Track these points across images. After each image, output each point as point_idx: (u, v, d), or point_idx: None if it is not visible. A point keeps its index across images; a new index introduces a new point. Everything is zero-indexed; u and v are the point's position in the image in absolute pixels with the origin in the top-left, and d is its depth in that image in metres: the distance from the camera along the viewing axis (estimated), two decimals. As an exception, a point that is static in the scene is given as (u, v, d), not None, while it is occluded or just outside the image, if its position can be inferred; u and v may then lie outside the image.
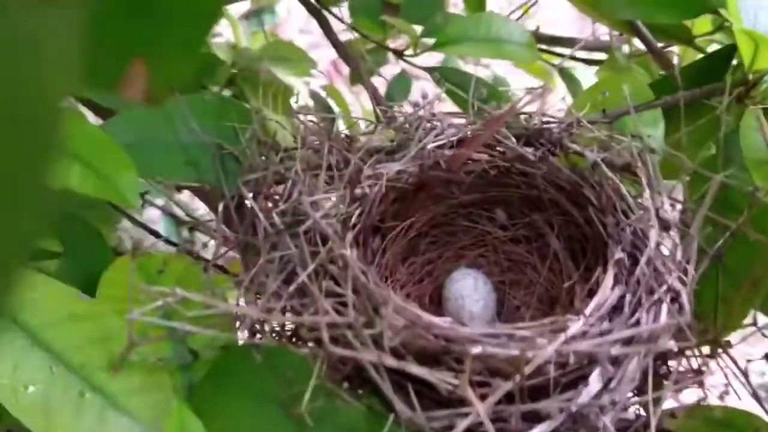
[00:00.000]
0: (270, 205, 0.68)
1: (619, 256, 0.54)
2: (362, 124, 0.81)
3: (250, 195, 0.67)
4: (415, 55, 0.97)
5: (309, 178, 0.61)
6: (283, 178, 0.67)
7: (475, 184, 0.65)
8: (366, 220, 0.60)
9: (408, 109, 0.76)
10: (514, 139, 0.64)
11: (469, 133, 0.64)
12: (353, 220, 0.59)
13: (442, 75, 0.99)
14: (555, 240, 0.65)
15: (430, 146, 0.63)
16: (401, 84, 1.87)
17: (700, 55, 0.99)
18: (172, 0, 0.23)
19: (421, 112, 0.68)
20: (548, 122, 0.65)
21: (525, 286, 0.67)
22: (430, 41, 0.99)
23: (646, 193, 0.56)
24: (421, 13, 1.01)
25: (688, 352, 0.52)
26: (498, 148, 0.64)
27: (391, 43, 1.06)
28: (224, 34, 2.03)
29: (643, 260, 0.53)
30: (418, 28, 0.98)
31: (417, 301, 0.66)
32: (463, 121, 0.67)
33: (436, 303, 0.67)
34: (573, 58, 1.11)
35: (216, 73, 1.02)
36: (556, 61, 1.17)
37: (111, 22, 0.23)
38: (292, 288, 0.50)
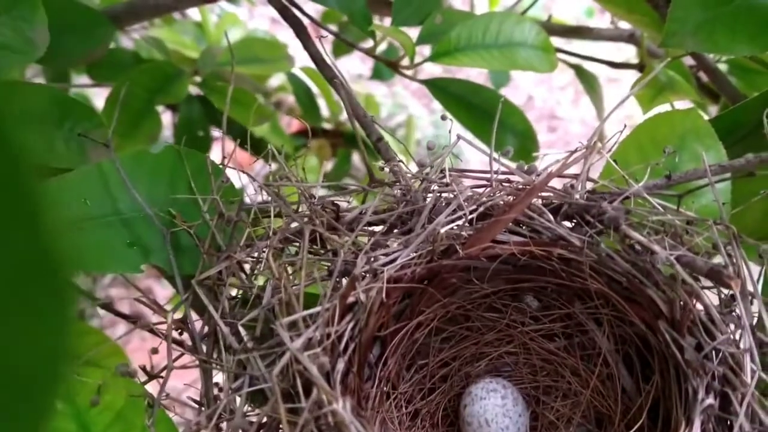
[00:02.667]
0: (235, 296, 0.54)
1: (708, 402, 0.40)
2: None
3: (214, 288, 0.53)
4: (412, 66, 0.81)
5: (285, 279, 0.46)
6: (253, 266, 0.52)
7: (500, 270, 0.51)
8: (361, 335, 0.46)
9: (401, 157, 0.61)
10: (550, 215, 0.49)
11: (490, 204, 0.50)
12: (345, 338, 0.45)
13: (443, 89, 0.83)
14: (603, 338, 0.51)
15: (444, 229, 0.48)
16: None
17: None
18: None
19: (428, 170, 0.53)
20: (595, 192, 0.50)
21: (563, 394, 0.53)
22: (429, 48, 0.83)
23: (739, 304, 0.42)
24: (415, 13, 0.84)
25: None
26: (530, 226, 0.49)
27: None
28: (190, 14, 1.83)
29: (741, 411, 0.39)
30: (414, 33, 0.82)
31: (427, 420, 0.52)
32: (483, 184, 0.52)
33: (451, 420, 0.53)
34: (593, 59, 0.96)
35: (175, 88, 0.85)
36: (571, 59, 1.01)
37: None
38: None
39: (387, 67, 0.84)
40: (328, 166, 1.64)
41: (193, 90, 1.06)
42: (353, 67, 2.91)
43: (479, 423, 0.49)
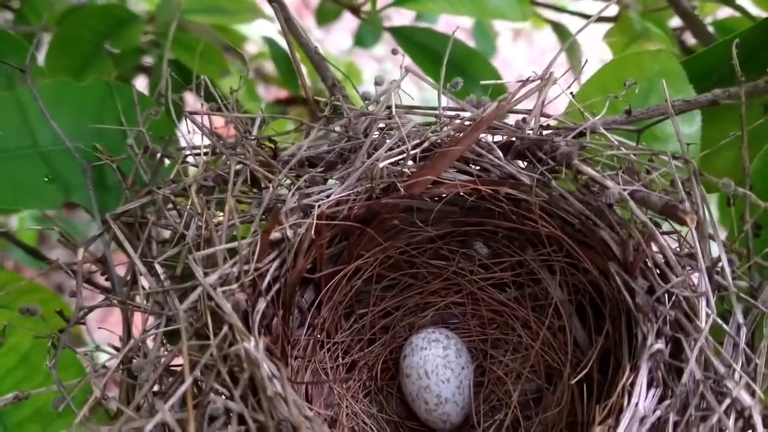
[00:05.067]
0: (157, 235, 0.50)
1: (657, 347, 0.36)
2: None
3: (136, 226, 0.49)
4: (374, 12, 0.76)
5: (207, 214, 0.42)
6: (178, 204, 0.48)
7: (446, 212, 0.47)
8: (289, 274, 0.42)
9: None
10: (500, 152, 0.45)
11: (437, 140, 0.46)
12: (267, 277, 0.41)
13: (408, 38, 0.79)
14: (556, 288, 0.47)
15: (383, 163, 0.44)
16: (372, 29, 1.65)
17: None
18: None
19: (371, 107, 0.49)
20: (550, 128, 0.46)
21: (513, 347, 0.49)
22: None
23: (696, 244, 0.38)
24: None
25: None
26: (478, 164, 0.46)
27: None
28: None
29: (693, 356, 0.35)
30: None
31: (365, 372, 0.49)
32: (431, 121, 0.48)
33: (392, 373, 0.49)
34: (571, 12, 0.91)
35: (127, 33, 0.81)
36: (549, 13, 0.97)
37: None
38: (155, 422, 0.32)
39: (351, 13, 0.80)
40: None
41: (169, 55, 1.01)
42: (342, 42, 2.85)
43: (418, 375, 0.46)
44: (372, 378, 0.48)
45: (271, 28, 1.25)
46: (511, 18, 0.77)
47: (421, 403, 0.46)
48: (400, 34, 0.79)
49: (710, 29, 0.84)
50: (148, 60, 1.09)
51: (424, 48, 0.80)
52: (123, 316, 0.44)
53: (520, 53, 3.09)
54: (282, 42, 1.32)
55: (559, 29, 0.94)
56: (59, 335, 0.42)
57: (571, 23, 1.00)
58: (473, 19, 1.24)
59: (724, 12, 0.89)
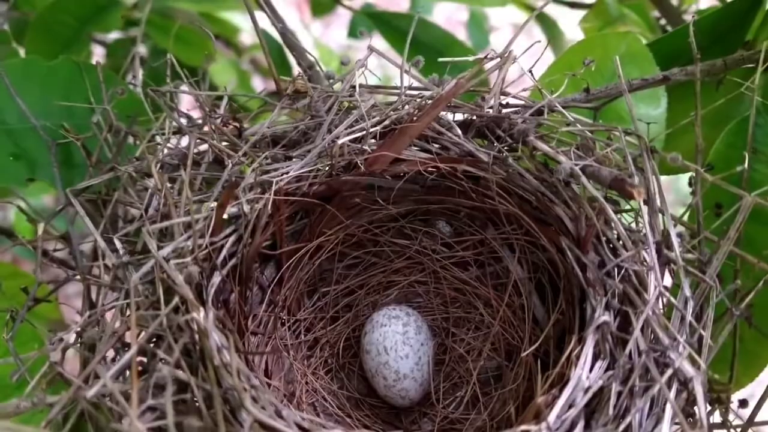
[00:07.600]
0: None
1: (603, 319, 0.36)
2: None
3: (99, 202, 0.49)
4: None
5: (166, 189, 0.42)
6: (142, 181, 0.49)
7: (407, 191, 0.47)
8: (246, 250, 0.42)
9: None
10: (459, 130, 0.45)
11: (397, 117, 0.46)
12: (224, 251, 0.41)
13: (386, 23, 0.80)
14: (516, 266, 0.48)
15: (342, 140, 0.44)
16: (363, 20, 1.63)
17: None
18: None
19: (336, 86, 0.49)
20: (509, 105, 0.46)
21: (475, 325, 0.50)
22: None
23: (645, 218, 0.39)
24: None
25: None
26: (438, 143, 0.46)
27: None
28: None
29: (638, 328, 0.36)
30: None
31: (327, 350, 0.49)
32: (393, 100, 0.48)
33: (355, 351, 0.50)
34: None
35: (107, 18, 0.81)
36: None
37: None
38: (92, 392, 0.32)
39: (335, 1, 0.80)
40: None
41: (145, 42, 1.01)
42: (341, 38, 2.86)
43: (378, 351, 0.46)
44: (334, 355, 0.49)
45: (265, 20, 1.25)
46: (490, 4, 0.77)
47: (380, 379, 0.46)
48: (379, 19, 0.80)
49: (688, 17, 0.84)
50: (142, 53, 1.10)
51: (398, 31, 0.80)
52: (84, 291, 0.45)
53: (518, 48, 3.08)
54: (274, 33, 1.32)
55: (542, 18, 0.94)
56: (17, 308, 0.42)
57: (559, 13, 1.01)
58: (465, 8, 1.23)
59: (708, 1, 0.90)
